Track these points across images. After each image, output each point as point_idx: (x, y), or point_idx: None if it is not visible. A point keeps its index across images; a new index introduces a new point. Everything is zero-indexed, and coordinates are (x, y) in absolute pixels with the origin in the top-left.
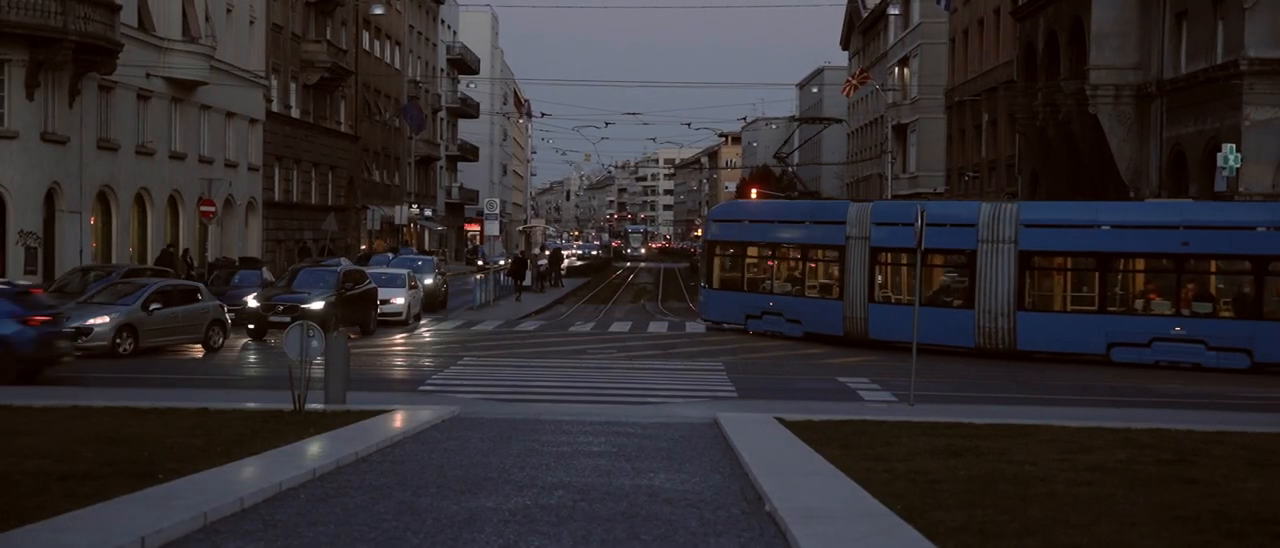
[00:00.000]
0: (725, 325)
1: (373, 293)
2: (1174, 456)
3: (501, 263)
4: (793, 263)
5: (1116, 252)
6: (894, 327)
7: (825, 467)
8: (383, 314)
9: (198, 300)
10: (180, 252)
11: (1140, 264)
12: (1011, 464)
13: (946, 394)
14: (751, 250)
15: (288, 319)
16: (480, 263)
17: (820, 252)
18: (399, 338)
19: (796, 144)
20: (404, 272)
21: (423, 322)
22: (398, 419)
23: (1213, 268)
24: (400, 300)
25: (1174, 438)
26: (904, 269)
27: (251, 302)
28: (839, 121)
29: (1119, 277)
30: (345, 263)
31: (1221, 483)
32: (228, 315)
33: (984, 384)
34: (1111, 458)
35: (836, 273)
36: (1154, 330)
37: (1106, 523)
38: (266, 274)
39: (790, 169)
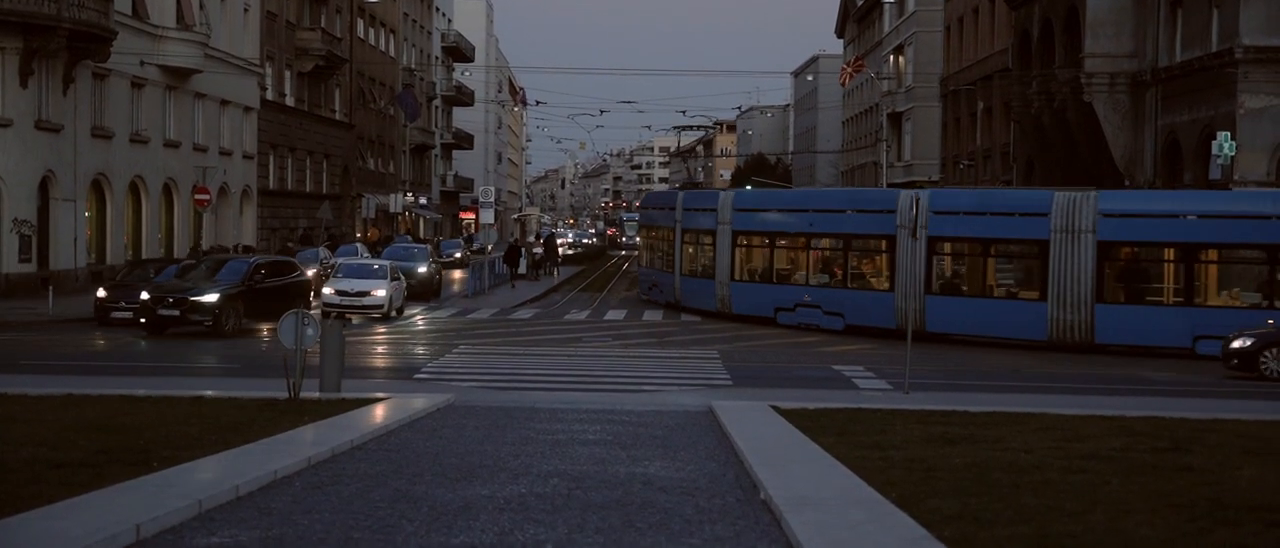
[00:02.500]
0: (698, 316)
1: (302, 285)
2: (1169, 444)
3: (489, 249)
4: (831, 254)
5: (1202, 242)
6: (954, 320)
7: (820, 455)
8: (363, 307)
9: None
10: (235, 245)
11: (1229, 255)
12: (1007, 452)
13: (941, 382)
14: (781, 240)
15: (177, 312)
16: (456, 254)
17: (868, 241)
18: (380, 331)
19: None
20: (386, 263)
21: (416, 311)
22: (393, 407)
23: None
24: (381, 293)
25: (1169, 426)
26: (966, 260)
27: (143, 294)
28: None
29: (1205, 268)
30: (323, 252)
31: (1216, 471)
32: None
33: (979, 372)
34: (1106, 446)
35: (886, 264)
36: (1243, 323)
37: (1101, 511)
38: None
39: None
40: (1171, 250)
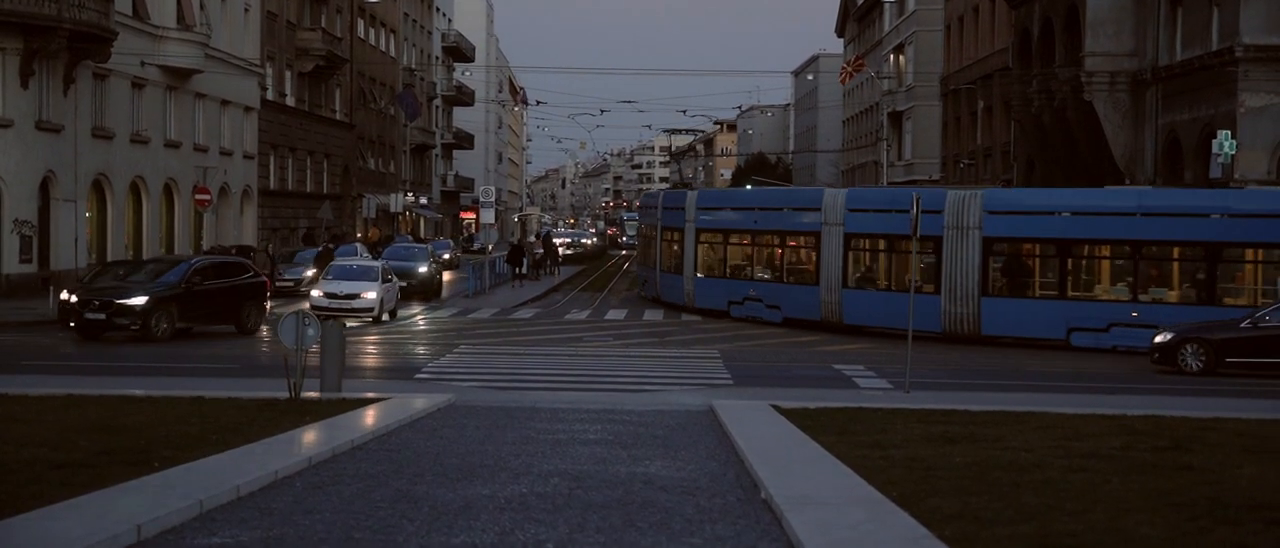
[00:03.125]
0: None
1: (255, 287)
2: (1169, 443)
3: (489, 249)
4: (771, 250)
5: (1076, 238)
6: (867, 312)
7: (821, 454)
8: (353, 310)
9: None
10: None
11: (1099, 251)
12: (1007, 451)
13: (942, 381)
14: (733, 238)
15: (103, 316)
16: (445, 255)
17: (798, 238)
18: (375, 333)
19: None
20: (377, 264)
21: (416, 311)
22: (393, 407)
23: (1169, 254)
24: (371, 295)
25: (1169, 425)
26: (880, 255)
27: (71, 296)
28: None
29: (1078, 263)
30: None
31: (1216, 470)
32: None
33: (980, 372)
34: (1107, 445)
35: (813, 260)
36: (1112, 316)
37: (1101, 510)
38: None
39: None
40: (1048, 246)
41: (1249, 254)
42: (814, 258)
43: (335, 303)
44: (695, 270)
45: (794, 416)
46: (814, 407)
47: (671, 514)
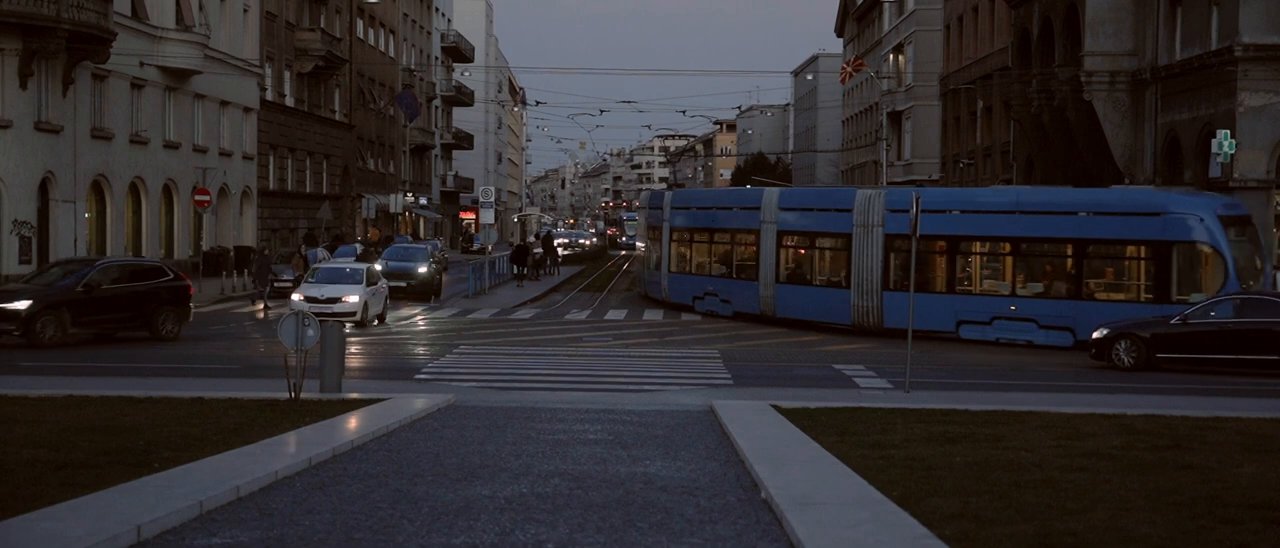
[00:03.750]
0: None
1: (174, 291)
2: (1169, 442)
3: (489, 249)
4: (724, 247)
5: (963, 235)
6: (794, 305)
7: (821, 454)
8: (334, 314)
9: None
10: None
11: (982, 247)
12: (1007, 451)
13: (942, 381)
14: (698, 236)
15: None
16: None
17: (745, 236)
18: (369, 338)
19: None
20: (362, 268)
21: (416, 312)
22: (393, 408)
23: (1041, 250)
24: (353, 299)
25: (1169, 424)
26: (802, 252)
27: None
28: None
29: (965, 258)
30: (322, 252)
31: (1216, 469)
32: None
33: (980, 371)
34: (1107, 444)
35: (754, 256)
36: (994, 309)
37: (1102, 509)
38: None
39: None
40: (940, 243)
41: (1107, 250)
42: (754, 254)
43: (316, 306)
44: (669, 266)
45: (794, 415)
46: (814, 407)
47: (672, 514)
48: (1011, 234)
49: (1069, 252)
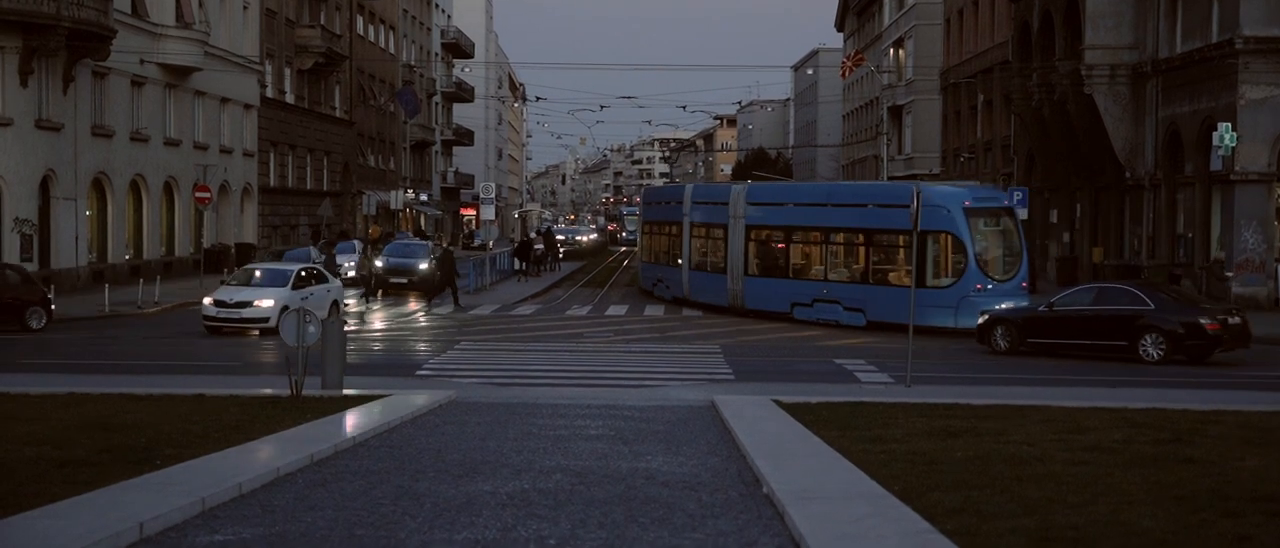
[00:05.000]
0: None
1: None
2: (1171, 435)
3: (490, 245)
4: (665, 239)
5: (795, 226)
6: (700, 289)
7: (822, 449)
8: (242, 320)
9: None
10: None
11: (806, 236)
12: (1009, 445)
13: (943, 375)
14: (669, 228)
15: None
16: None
17: (669, 227)
18: (353, 342)
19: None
20: (291, 268)
21: (416, 309)
22: (395, 404)
23: (843, 240)
24: (267, 304)
25: (1171, 417)
26: (705, 242)
27: None
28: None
29: (793, 247)
30: (314, 252)
31: (1218, 462)
32: None
33: (981, 366)
34: (1108, 438)
35: (680, 246)
36: (814, 293)
37: (1104, 502)
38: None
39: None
40: (779, 233)
41: (885, 238)
42: (679, 243)
43: (223, 312)
44: (645, 257)
45: (795, 410)
46: (815, 401)
47: (673, 510)
48: (823, 225)
49: (861, 240)
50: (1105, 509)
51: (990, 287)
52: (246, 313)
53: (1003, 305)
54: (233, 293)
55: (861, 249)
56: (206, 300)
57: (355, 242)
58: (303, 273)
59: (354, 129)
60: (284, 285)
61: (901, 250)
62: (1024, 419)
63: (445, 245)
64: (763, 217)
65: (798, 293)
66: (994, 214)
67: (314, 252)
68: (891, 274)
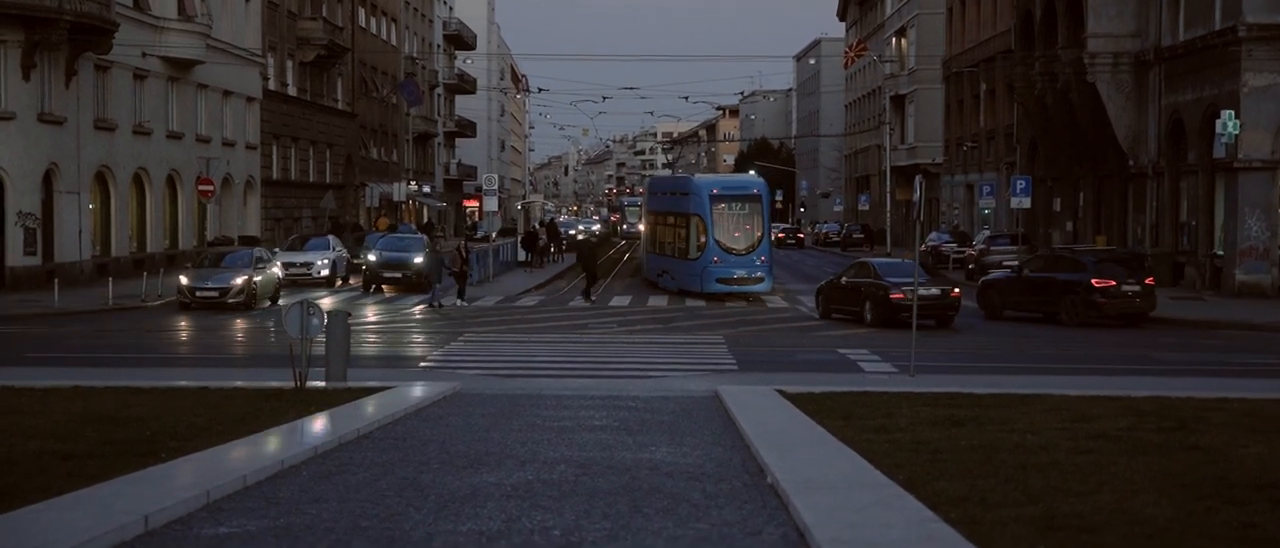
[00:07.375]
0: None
1: None
2: (1175, 423)
3: (492, 237)
4: (651, 227)
5: (664, 210)
6: (652, 270)
7: (826, 438)
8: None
9: None
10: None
11: (667, 220)
12: (1013, 434)
13: (947, 365)
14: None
15: None
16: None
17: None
18: (359, 334)
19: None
20: (248, 252)
21: (417, 303)
22: (399, 396)
23: (676, 221)
24: (238, 281)
25: (1175, 405)
26: (668, 229)
27: None
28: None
29: (664, 228)
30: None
31: (1223, 450)
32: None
33: (985, 354)
34: (1113, 426)
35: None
36: (665, 266)
37: (1108, 491)
38: (259, 252)
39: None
40: (659, 216)
41: (684, 220)
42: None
43: (200, 288)
44: (647, 248)
45: (800, 400)
46: (819, 391)
47: (678, 500)
48: (672, 210)
49: (673, 222)
50: (1110, 498)
51: (727, 259)
52: (215, 283)
53: (827, 278)
54: (206, 274)
55: (683, 230)
56: (182, 279)
57: (329, 237)
58: (258, 258)
59: (356, 121)
60: (243, 271)
61: (684, 230)
62: (1028, 408)
63: (463, 240)
64: (656, 204)
65: (659, 266)
66: (732, 200)
67: (333, 240)
68: (678, 249)
